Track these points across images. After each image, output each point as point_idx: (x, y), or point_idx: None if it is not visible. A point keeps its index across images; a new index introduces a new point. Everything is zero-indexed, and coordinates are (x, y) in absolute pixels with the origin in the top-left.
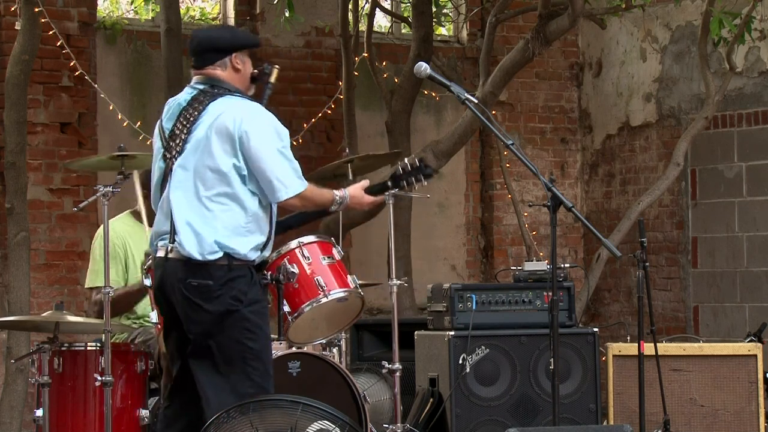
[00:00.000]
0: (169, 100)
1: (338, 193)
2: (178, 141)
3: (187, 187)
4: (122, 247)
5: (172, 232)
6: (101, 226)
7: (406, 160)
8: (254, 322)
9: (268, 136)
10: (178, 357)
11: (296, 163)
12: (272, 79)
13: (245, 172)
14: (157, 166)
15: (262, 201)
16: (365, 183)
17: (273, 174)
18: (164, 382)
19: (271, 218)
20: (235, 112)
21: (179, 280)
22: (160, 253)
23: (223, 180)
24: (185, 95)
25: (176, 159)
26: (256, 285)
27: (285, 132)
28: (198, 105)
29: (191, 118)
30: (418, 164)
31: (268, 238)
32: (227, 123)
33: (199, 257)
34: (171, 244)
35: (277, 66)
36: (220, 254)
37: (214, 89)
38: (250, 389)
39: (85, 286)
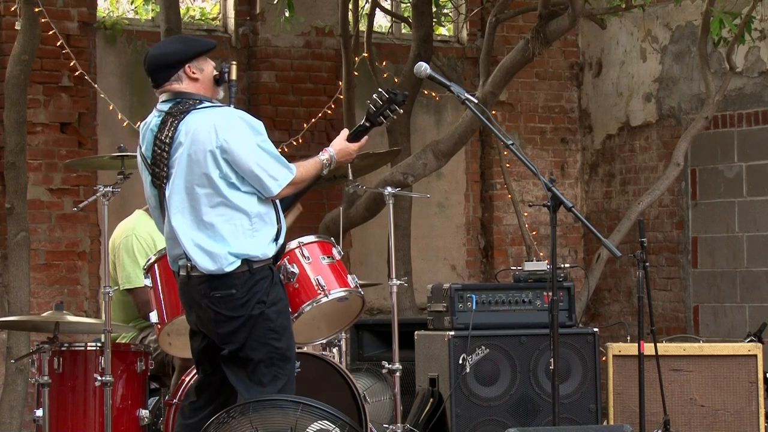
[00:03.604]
0: (141, 125)
1: (324, 157)
2: (162, 167)
3: (184, 209)
4: (153, 246)
5: (186, 255)
6: (121, 228)
7: (374, 95)
8: (278, 321)
9: (245, 136)
10: (205, 358)
11: (277, 153)
12: (233, 77)
13: (233, 179)
14: (150, 193)
15: (261, 197)
16: (345, 133)
17: (260, 171)
18: (174, 381)
19: (276, 207)
20: (207, 125)
21: (203, 295)
22: (182, 272)
23: (214, 193)
24: (155, 120)
25: (166, 185)
26: (277, 284)
27: (259, 124)
28: (169, 128)
29: (167, 141)
30: (388, 95)
31: (279, 227)
32: (203, 138)
33: (218, 272)
34: (190, 263)
35: (233, 62)
36: (239, 262)
37: (179, 105)
38: (281, 390)
39: (124, 287)
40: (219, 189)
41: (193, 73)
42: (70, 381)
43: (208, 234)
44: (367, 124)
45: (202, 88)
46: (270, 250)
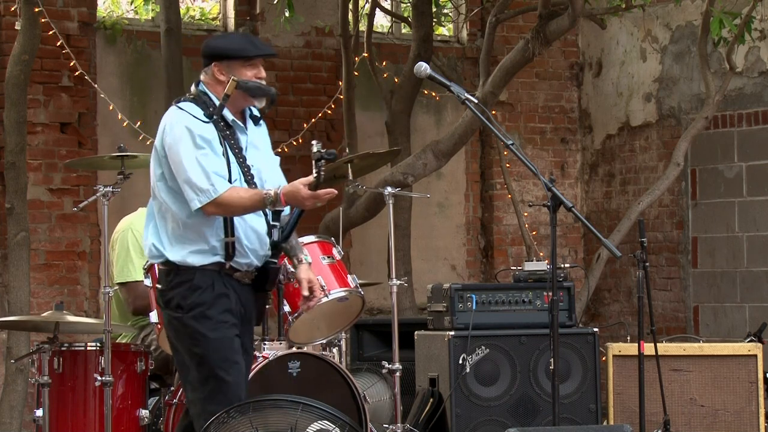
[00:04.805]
0: None
1: (269, 192)
2: None
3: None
4: None
5: None
6: (122, 222)
7: (314, 147)
8: (194, 328)
9: (183, 145)
10: None
11: (214, 169)
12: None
13: (171, 183)
14: None
15: None
16: (308, 180)
17: (185, 183)
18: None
19: (228, 224)
20: (163, 124)
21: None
22: None
23: (155, 190)
24: None
25: None
26: (198, 290)
27: (208, 139)
28: None
29: None
30: (321, 152)
31: (229, 244)
32: (157, 136)
33: (150, 261)
34: None
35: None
36: (162, 259)
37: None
38: (199, 395)
39: (117, 281)
40: (156, 189)
41: (219, 74)
42: (70, 381)
43: (149, 224)
44: (315, 174)
45: (220, 92)
46: (193, 260)
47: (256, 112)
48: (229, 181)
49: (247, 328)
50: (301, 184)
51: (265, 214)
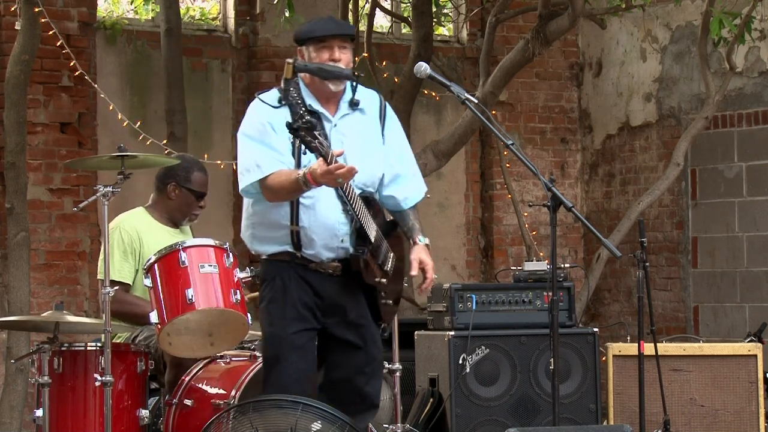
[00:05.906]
0: None
1: (299, 174)
2: None
3: None
4: (138, 243)
5: None
6: (114, 220)
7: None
8: (262, 318)
9: (246, 128)
10: None
11: (266, 153)
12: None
13: None
14: None
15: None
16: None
17: (239, 164)
18: (168, 378)
19: (293, 211)
20: None
21: None
22: None
23: None
24: None
25: None
26: (264, 282)
27: (267, 124)
28: None
29: None
30: (293, 123)
31: (294, 233)
32: None
33: None
34: None
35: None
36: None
37: None
38: (266, 388)
39: (98, 276)
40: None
41: (302, 57)
42: (70, 381)
43: None
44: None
45: (304, 77)
46: (261, 248)
47: (358, 97)
48: (298, 168)
49: (339, 320)
50: (322, 160)
51: (344, 203)
